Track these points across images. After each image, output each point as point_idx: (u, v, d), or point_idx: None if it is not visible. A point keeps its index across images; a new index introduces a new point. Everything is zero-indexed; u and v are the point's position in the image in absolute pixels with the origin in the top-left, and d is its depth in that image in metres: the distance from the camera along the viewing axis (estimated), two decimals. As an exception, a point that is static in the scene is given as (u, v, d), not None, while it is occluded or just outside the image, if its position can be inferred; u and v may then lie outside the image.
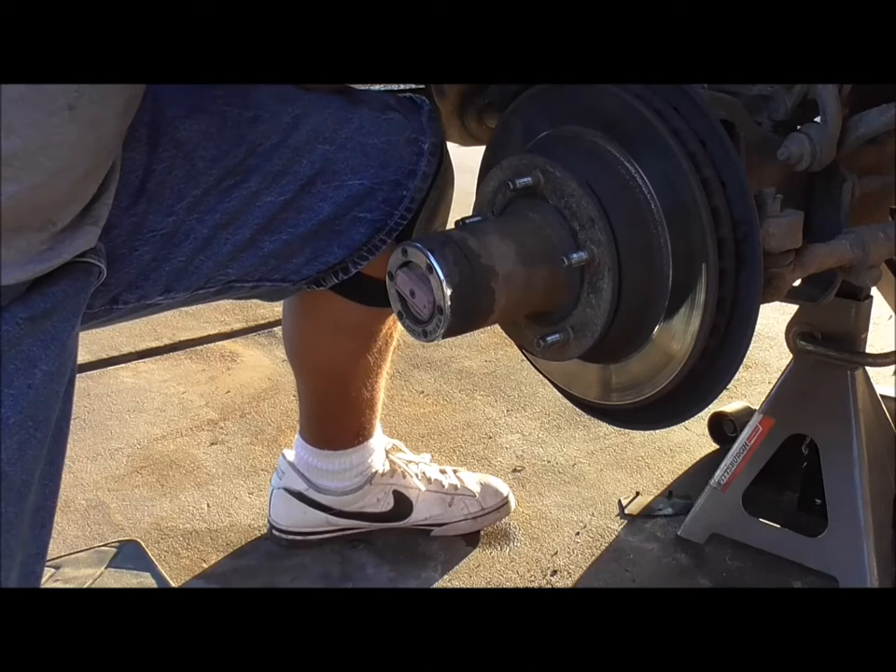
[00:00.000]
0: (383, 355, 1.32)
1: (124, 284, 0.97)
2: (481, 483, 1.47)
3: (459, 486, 1.45)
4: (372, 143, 1.05)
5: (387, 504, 1.42)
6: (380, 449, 1.42)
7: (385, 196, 1.07)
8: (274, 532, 1.44)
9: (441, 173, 1.10)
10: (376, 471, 1.40)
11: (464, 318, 0.84)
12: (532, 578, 1.38)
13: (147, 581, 1.34)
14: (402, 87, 1.25)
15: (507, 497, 1.47)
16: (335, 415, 1.37)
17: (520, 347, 1.02)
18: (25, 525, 0.81)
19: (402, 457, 1.45)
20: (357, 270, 1.09)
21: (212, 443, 1.73)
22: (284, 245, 1.04)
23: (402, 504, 1.43)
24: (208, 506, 1.54)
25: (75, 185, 0.79)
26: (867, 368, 1.35)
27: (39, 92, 0.71)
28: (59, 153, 0.75)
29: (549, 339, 0.90)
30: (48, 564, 1.34)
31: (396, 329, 1.31)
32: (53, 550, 1.39)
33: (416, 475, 1.44)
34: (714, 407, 1.61)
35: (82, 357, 2.01)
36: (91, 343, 2.05)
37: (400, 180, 1.07)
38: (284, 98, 1.02)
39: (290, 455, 1.43)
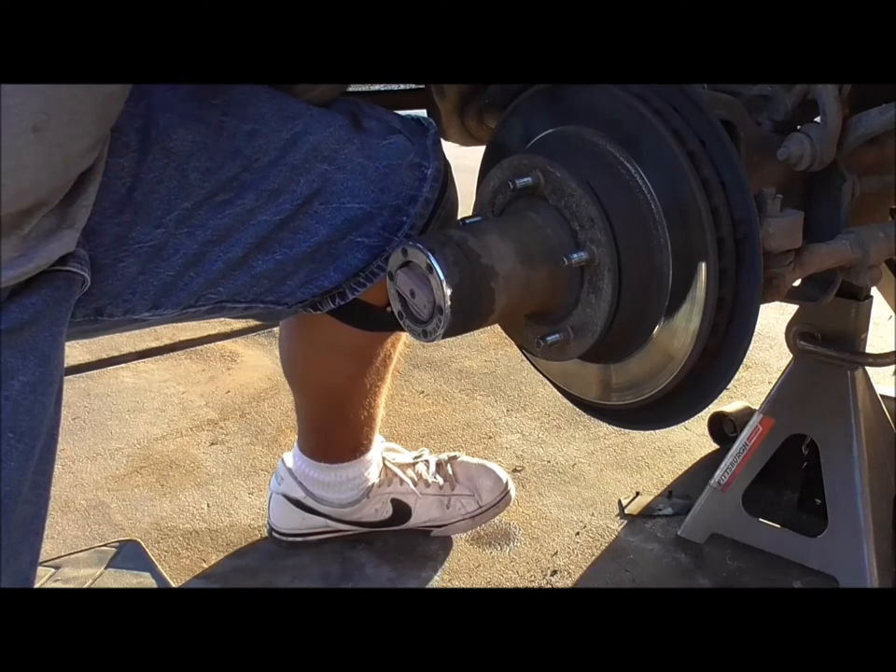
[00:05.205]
0: (381, 375, 1.31)
1: (109, 296, 0.94)
2: (479, 477, 1.46)
3: (456, 486, 1.44)
4: (374, 166, 1.01)
5: (386, 513, 1.43)
6: (377, 460, 1.41)
7: (385, 222, 1.03)
8: (274, 535, 1.44)
9: (444, 202, 1.05)
10: (373, 483, 1.40)
11: (464, 318, 0.84)
12: (532, 578, 1.38)
13: (146, 581, 1.34)
14: (402, 87, 1.25)
15: (506, 488, 1.45)
16: (333, 432, 1.37)
17: (520, 347, 1.02)
18: (17, 535, 0.80)
19: (398, 460, 1.45)
20: (354, 296, 1.05)
21: (212, 443, 1.73)
22: (277, 266, 1.01)
23: (401, 511, 1.43)
24: (208, 506, 1.54)
25: (39, 198, 0.77)
26: (867, 368, 1.35)
27: (6, 114, 0.69)
28: (23, 175, 0.73)
29: (549, 339, 0.90)
30: (48, 564, 1.35)
31: (395, 350, 1.30)
32: (53, 550, 1.39)
33: (412, 479, 1.43)
34: (714, 407, 1.62)
35: (82, 357, 2.02)
36: (91, 343, 2.05)
37: (401, 206, 1.03)
38: (284, 114, 0.99)
39: (289, 459, 1.43)
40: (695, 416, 1.04)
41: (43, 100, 0.71)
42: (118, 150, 0.89)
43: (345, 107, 1.04)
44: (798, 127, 0.97)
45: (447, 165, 1.06)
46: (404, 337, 1.28)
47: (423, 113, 1.18)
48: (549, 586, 1.37)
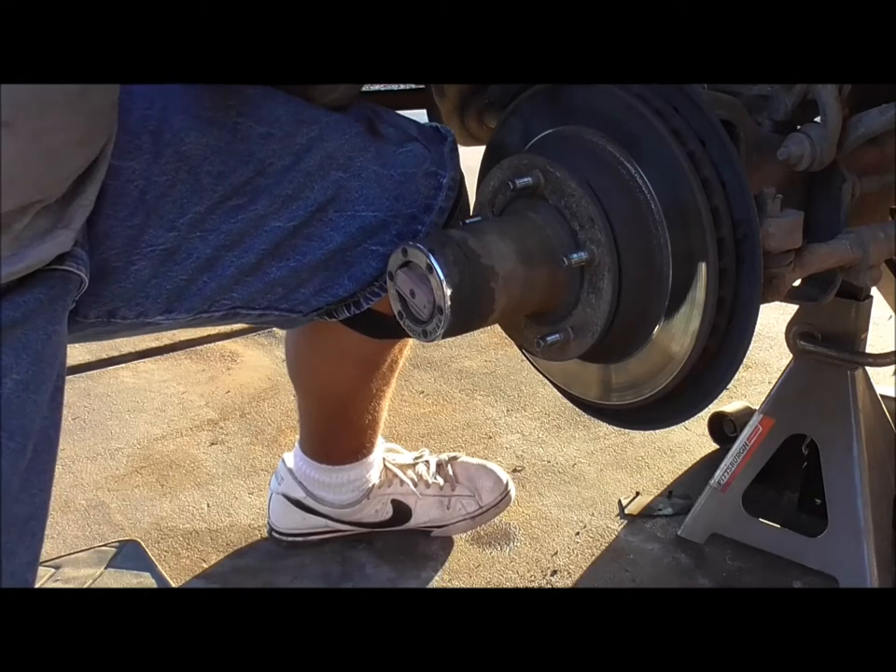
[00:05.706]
0: (387, 380, 1.31)
1: (121, 298, 0.94)
2: (479, 477, 1.46)
3: (456, 486, 1.44)
4: (389, 174, 1.01)
5: (386, 513, 1.43)
6: (378, 462, 1.41)
7: (400, 230, 1.02)
8: (274, 535, 1.44)
9: (458, 211, 1.04)
10: (374, 485, 1.40)
11: (464, 318, 0.84)
12: (532, 578, 1.38)
13: (146, 581, 1.34)
14: (402, 87, 1.25)
15: (506, 488, 1.45)
16: (336, 435, 1.36)
17: (520, 347, 1.02)
18: (13, 535, 0.79)
19: (399, 460, 1.45)
20: (368, 305, 1.04)
21: (212, 443, 1.73)
22: (291, 273, 1.00)
23: (401, 511, 1.43)
24: (208, 506, 1.54)
25: (27, 196, 0.76)
26: (867, 368, 1.35)
27: None
28: (2, 172, 0.72)
29: (549, 339, 0.90)
30: (48, 564, 1.34)
31: (402, 356, 1.30)
32: (53, 550, 1.39)
33: (413, 480, 1.43)
34: (714, 407, 1.62)
35: (82, 357, 2.02)
36: (91, 343, 2.05)
37: (416, 214, 1.02)
38: (300, 118, 0.97)
39: (290, 460, 1.43)
40: (695, 416, 1.04)
41: (8, 94, 0.70)
42: (130, 153, 0.89)
43: (362, 114, 1.03)
44: (798, 127, 0.97)
45: (462, 176, 1.05)
46: (410, 342, 1.28)
47: (423, 113, 1.18)
48: (549, 586, 1.37)
